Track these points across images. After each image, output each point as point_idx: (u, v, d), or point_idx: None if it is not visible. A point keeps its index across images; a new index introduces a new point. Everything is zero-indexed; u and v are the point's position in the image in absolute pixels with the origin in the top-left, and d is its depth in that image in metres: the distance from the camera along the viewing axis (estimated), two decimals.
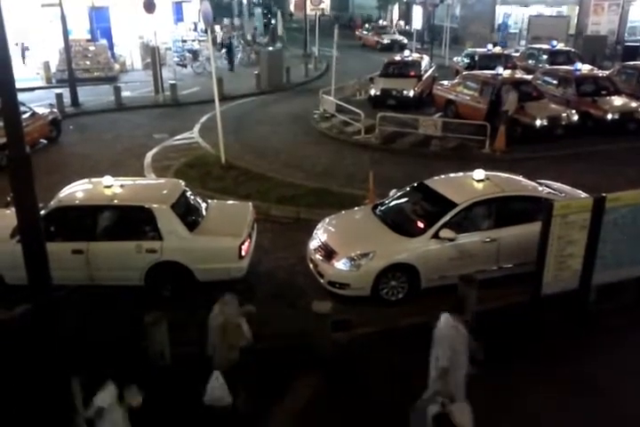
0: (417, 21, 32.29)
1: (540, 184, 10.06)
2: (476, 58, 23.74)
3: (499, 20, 38.06)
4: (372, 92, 20.75)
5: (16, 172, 5.72)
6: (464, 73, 20.45)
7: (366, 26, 45.31)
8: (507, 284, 8.78)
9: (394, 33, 42.08)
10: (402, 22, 48.34)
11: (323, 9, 44.86)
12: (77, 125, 19.42)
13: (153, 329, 6.95)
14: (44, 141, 17.05)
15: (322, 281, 8.90)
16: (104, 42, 28.81)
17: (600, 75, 19.12)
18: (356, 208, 10.50)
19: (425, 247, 8.67)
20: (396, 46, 37.79)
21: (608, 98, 17.67)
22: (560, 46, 25.02)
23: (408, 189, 10.13)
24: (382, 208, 9.86)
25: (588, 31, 33.47)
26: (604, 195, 7.82)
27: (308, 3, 33.46)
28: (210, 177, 13.60)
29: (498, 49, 25.24)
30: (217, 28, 34.75)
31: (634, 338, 7.90)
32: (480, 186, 9.37)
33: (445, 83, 20.09)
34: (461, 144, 16.19)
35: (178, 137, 17.92)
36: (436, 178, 10.25)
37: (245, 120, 20.15)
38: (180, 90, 23.33)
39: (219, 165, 14.59)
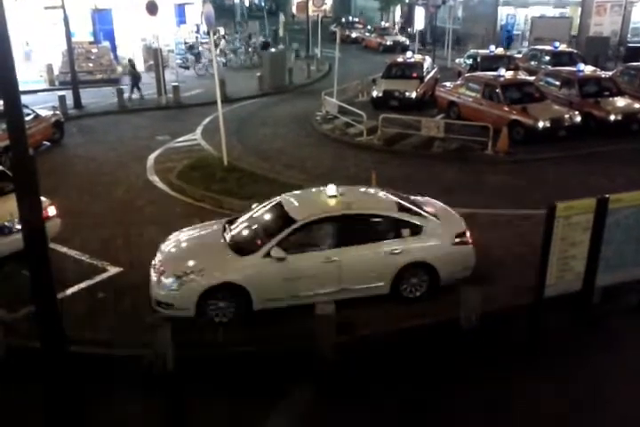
0: (419, 23, 32.20)
1: (407, 201, 9.40)
2: (479, 59, 23.74)
3: (502, 21, 38.04)
4: (375, 93, 20.76)
5: (20, 174, 5.72)
6: (466, 75, 20.45)
7: (368, 27, 45.33)
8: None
9: (396, 34, 42.10)
10: (399, 22, 48.18)
11: (325, 10, 44.92)
12: (80, 127, 19.45)
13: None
14: (48, 144, 17.09)
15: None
16: (107, 44, 28.89)
17: (602, 76, 19.10)
18: (213, 221, 9.87)
19: (257, 267, 8.22)
20: (399, 48, 37.78)
21: (611, 99, 17.66)
22: (562, 47, 24.94)
23: (266, 203, 9.56)
24: (232, 223, 9.38)
25: (591, 32, 33.43)
26: (607, 196, 7.80)
27: (310, 4, 33.50)
28: (213, 179, 13.60)
29: (500, 50, 25.24)
30: (220, 29, 34.80)
31: (637, 340, 7.87)
32: (328, 203, 8.88)
33: (448, 84, 20.09)
34: (464, 146, 16.17)
35: (180, 139, 17.95)
36: (295, 192, 9.92)
37: (248, 122, 20.17)
38: (183, 92, 23.36)
39: (221, 167, 14.58)
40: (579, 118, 16.57)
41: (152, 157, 16.12)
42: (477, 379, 7.18)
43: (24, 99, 6.11)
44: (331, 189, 9.04)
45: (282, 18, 34.23)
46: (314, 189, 9.79)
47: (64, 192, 13.16)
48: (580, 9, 34.88)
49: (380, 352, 7.60)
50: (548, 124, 16.13)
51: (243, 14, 47.69)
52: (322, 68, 30.74)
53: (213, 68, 15.76)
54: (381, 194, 9.63)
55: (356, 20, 50.96)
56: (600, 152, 15.60)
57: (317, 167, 15.10)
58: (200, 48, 30.76)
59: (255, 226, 9.04)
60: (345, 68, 22.32)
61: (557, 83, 18.98)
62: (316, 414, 6.73)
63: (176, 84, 23.43)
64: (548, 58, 24.06)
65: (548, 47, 25.14)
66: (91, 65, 26.86)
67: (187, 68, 29.22)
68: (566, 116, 16.59)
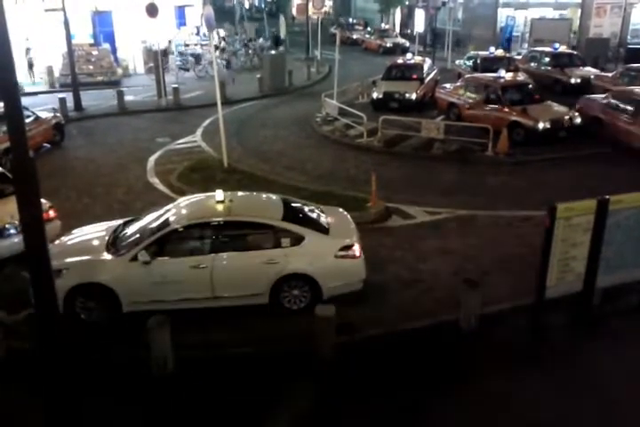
0: (419, 25, 32.27)
1: (297, 210, 9.27)
2: (479, 61, 23.77)
3: (502, 22, 38.06)
4: (375, 95, 20.78)
5: (20, 176, 5.72)
6: (466, 76, 20.47)
7: (368, 29, 45.38)
8: None
9: (396, 36, 42.15)
10: (394, 24, 48.12)
11: (325, 12, 44.91)
12: (80, 130, 19.47)
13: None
14: (48, 146, 17.10)
15: None
16: (107, 46, 28.92)
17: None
18: (119, 220, 9.76)
19: (124, 269, 8.21)
20: (399, 50, 37.83)
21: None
22: (562, 48, 24.95)
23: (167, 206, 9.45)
24: (128, 224, 9.34)
25: (591, 34, 33.46)
26: (607, 197, 7.81)
27: (310, 6, 33.52)
28: (213, 181, 13.61)
29: (500, 52, 25.28)
30: (221, 31, 34.85)
31: (638, 340, 7.86)
32: (212, 208, 8.77)
33: (448, 86, 20.11)
34: (464, 147, 16.18)
35: (180, 141, 17.96)
36: (193, 196, 9.95)
37: (248, 123, 20.18)
38: (183, 94, 23.39)
39: (221, 169, 14.60)
40: (579, 119, 16.59)
41: (152, 158, 16.13)
42: (477, 380, 7.17)
43: (24, 101, 6.12)
44: (219, 194, 8.87)
45: (282, 20, 34.24)
46: (210, 194, 9.35)
47: (64, 194, 13.18)
48: (579, 10, 34.94)
49: (380, 353, 7.61)
50: (548, 126, 16.14)
51: (242, 16, 47.69)
52: (322, 69, 30.78)
53: (213, 70, 15.74)
54: (273, 202, 9.35)
55: (356, 21, 51.05)
56: (600, 153, 15.59)
57: (317, 169, 15.11)
58: (200, 50, 30.82)
59: (139, 228, 8.98)
60: (345, 69, 22.35)
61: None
62: (315, 414, 6.73)
63: (176, 85, 23.45)
64: (547, 59, 24.10)
65: (547, 48, 25.18)
66: (91, 67, 26.90)
67: (187, 69, 29.27)
68: (566, 117, 16.61)
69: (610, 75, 21.00)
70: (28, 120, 14.31)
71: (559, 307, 8.02)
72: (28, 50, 26.67)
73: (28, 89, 24.12)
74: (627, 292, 8.47)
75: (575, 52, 25.56)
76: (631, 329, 8.07)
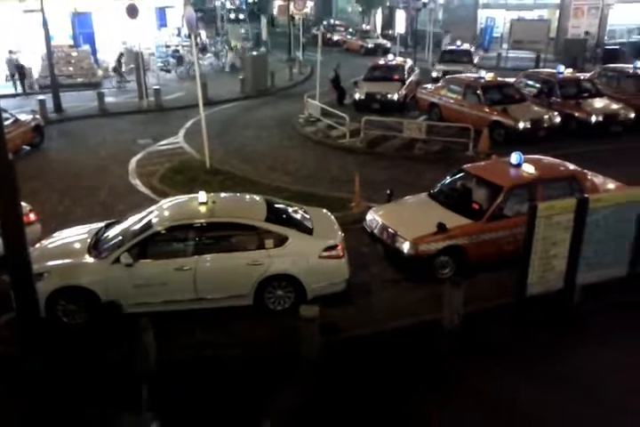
0: (400, 26, 32.42)
1: (280, 211, 9.30)
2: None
3: (481, 24, 38.37)
4: (357, 96, 20.84)
5: None
6: (447, 76, 20.60)
7: (350, 30, 45.47)
8: None
9: (377, 37, 42.30)
10: (375, 26, 48.23)
11: (306, 13, 44.87)
12: (61, 132, 19.28)
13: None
14: (27, 148, 16.91)
15: None
16: (87, 48, 28.66)
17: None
18: (100, 223, 9.68)
19: (106, 272, 8.18)
20: (380, 50, 37.97)
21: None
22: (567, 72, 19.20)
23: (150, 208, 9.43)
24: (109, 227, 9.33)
25: (569, 35, 33.87)
26: (587, 196, 7.92)
27: (292, 7, 33.50)
28: (195, 182, 13.56)
29: (466, 46, 26.96)
30: (202, 33, 34.73)
31: (618, 338, 7.97)
32: (194, 210, 8.75)
33: (429, 86, 20.22)
34: (446, 147, 16.29)
35: (162, 142, 17.86)
36: (176, 197, 9.94)
37: (230, 125, 20.13)
38: (165, 95, 23.26)
39: (204, 170, 14.55)
40: (558, 119, 16.79)
41: (134, 160, 16.02)
42: (460, 378, 7.23)
43: (2, 103, 6.06)
44: (201, 195, 8.85)
45: (264, 21, 34.21)
46: (193, 195, 9.34)
47: (45, 197, 13.05)
48: (558, 11, 35.36)
49: (364, 353, 7.64)
50: (528, 125, 16.31)
51: (224, 17, 47.56)
52: (304, 70, 30.79)
53: (195, 71, 15.68)
54: (256, 203, 9.31)
55: (338, 22, 51.13)
56: (579, 153, 15.76)
57: (300, 170, 15.12)
58: (181, 51, 30.68)
59: (121, 231, 8.93)
60: (327, 70, 22.38)
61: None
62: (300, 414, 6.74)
63: (157, 87, 23.32)
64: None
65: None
66: (71, 69, 26.66)
67: (168, 71, 29.12)
68: (546, 116, 16.80)
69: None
70: (6, 122, 14.13)
71: (540, 304, 8.11)
72: (10, 55, 25.67)
73: (8, 91, 23.87)
74: (607, 289, 8.58)
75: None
76: (611, 326, 8.19)
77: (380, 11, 49.69)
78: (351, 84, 22.17)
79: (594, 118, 17.01)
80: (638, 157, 15.00)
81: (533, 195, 9.38)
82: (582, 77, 19.38)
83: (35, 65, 25.84)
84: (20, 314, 6.05)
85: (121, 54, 27.20)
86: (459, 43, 28.21)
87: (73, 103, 22.42)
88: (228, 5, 54.06)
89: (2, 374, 7.07)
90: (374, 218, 10.16)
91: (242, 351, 7.64)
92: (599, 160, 14.99)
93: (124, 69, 26.84)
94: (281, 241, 8.51)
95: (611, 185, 10.79)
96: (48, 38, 20.92)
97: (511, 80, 19.47)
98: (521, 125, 16.24)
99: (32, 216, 9.97)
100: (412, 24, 37.54)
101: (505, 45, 33.27)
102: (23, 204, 6.88)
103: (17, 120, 16.08)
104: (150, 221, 8.65)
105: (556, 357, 7.61)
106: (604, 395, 6.91)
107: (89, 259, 8.42)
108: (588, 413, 6.64)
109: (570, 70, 19.22)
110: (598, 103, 17.81)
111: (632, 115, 17.38)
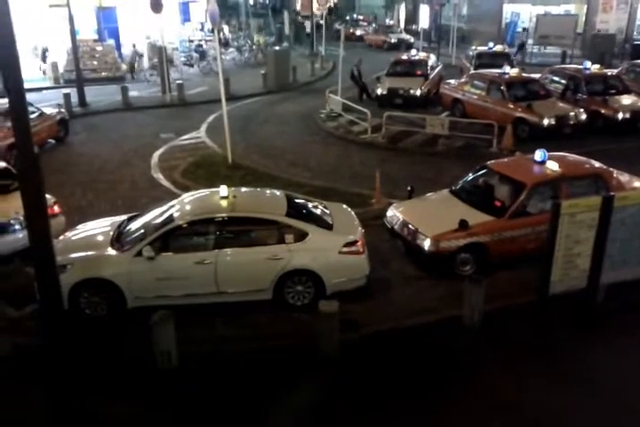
0: (424, 21, 32.16)
1: (301, 206, 9.31)
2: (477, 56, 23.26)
3: (507, 19, 37.90)
4: (379, 91, 20.72)
5: (25, 172, 5.74)
6: (471, 72, 20.40)
7: (373, 25, 45.28)
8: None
9: (400, 32, 42.04)
10: (399, 20, 47.84)
11: (330, 8, 44.77)
12: (85, 125, 19.49)
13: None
14: (52, 141, 17.12)
15: None
16: (111, 42, 28.91)
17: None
18: (123, 216, 9.74)
19: (128, 265, 8.22)
20: (403, 45, 37.75)
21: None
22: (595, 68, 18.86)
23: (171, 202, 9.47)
24: (132, 220, 9.35)
25: (596, 30, 33.30)
26: (612, 194, 7.79)
27: (315, 2, 33.43)
28: (217, 177, 13.62)
29: (499, 47, 24.94)
30: (225, 28, 34.84)
31: None
32: (215, 204, 8.79)
33: (452, 82, 20.04)
34: (468, 143, 16.14)
35: (185, 137, 17.96)
36: (197, 191, 9.97)
37: (252, 120, 20.17)
38: (187, 89, 23.38)
39: (225, 165, 14.61)
40: (584, 116, 16.53)
41: (156, 154, 16.14)
42: (480, 376, 7.18)
43: (29, 97, 6.13)
44: (223, 190, 8.86)
45: (286, 16, 34.18)
46: (214, 190, 9.30)
47: (69, 190, 13.21)
48: (585, 6, 34.75)
49: (383, 349, 7.62)
50: (553, 122, 16.09)
51: (247, 12, 47.64)
52: (326, 66, 30.73)
53: (217, 66, 15.72)
54: (277, 198, 9.31)
55: (361, 17, 50.89)
56: (605, 150, 15.51)
57: (322, 165, 15.10)
58: (204, 45, 30.78)
59: (143, 224, 8.96)
60: (349, 65, 22.29)
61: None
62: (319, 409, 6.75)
63: (180, 81, 23.45)
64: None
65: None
66: (95, 63, 26.90)
67: (191, 65, 29.26)
68: (571, 113, 16.55)
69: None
70: (32, 116, 14.33)
71: (563, 303, 8.01)
72: (44, 50, 26.93)
73: (34, 85, 24.17)
74: (631, 289, 8.45)
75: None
76: (634, 326, 8.07)
77: (403, 5, 49.36)
78: (373, 80, 22.09)
79: (620, 115, 16.74)
80: None
81: (557, 192, 9.27)
82: (609, 73, 19.05)
83: (60, 59, 26.17)
84: (44, 306, 6.12)
85: (135, 52, 27.39)
86: (491, 44, 24.11)
87: (97, 97, 22.63)
88: (251, 0, 54.17)
89: (25, 365, 7.20)
90: (395, 214, 10.12)
91: (261, 346, 7.67)
92: (625, 158, 14.76)
93: (146, 66, 27.06)
94: (301, 236, 8.51)
95: (637, 183, 10.60)
96: (73, 33, 21.13)
97: (536, 76, 19.21)
98: (545, 122, 16.02)
99: (56, 208, 10.11)
100: (435, 19, 37.16)
101: (530, 41, 32.83)
102: (48, 196, 6.96)
103: (42, 114, 16.30)
104: (172, 214, 8.71)
105: (577, 356, 7.52)
106: (625, 395, 6.81)
107: (111, 251, 8.50)
108: (609, 413, 6.55)
109: (597, 66, 18.90)
110: (626, 100, 17.52)
111: None
